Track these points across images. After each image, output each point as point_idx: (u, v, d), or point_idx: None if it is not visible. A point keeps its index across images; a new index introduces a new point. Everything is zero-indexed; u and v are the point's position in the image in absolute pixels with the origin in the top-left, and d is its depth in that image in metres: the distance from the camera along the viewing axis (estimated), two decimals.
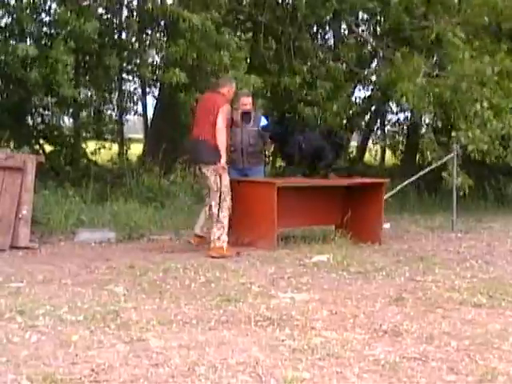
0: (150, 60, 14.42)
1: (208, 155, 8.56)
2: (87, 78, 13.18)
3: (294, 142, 9.28)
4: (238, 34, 14.92)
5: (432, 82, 12.81)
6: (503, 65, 12.41)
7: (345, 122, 15.60)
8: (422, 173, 12.35)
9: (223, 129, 8.53)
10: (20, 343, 4.72)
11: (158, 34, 13.89)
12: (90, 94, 14.53)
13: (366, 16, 16.69)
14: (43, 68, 10.91)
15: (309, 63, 14.28)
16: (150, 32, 13.93)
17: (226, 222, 8.55)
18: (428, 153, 13.24)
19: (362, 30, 16.78)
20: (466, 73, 12.12)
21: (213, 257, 8.31)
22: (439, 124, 16.30)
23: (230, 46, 11.90)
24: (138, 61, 14.08)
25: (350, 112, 15.70)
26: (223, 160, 8.51)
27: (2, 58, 10.81)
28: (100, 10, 13.49)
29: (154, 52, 14.32)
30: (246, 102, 9.58)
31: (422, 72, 12.66)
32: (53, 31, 12.22)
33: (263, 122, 9.71)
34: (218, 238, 8.50)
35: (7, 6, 12.57)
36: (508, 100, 12.52)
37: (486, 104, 12.26)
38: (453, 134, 12.20)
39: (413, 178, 12.39)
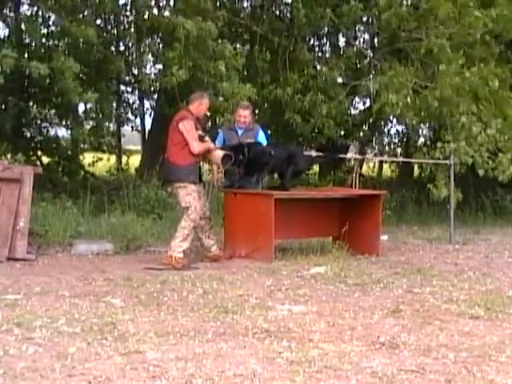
0: (147, 69, 14.49)
1: (172, 174, 8.87)
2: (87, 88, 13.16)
3: (265, 151, 9.26)
4: (236, 46, 14.98)
5: (420, 93, 12.84)
6: (493, 74, 12.42)
7: (342, 133, 15.59)
8: None
9: (197, 146, 8.72)
10: (17, 355, 4.71)
11: (155, 43, 13.90)
12: (89, 105, 14.54)
13: (362, 28, 16.75)
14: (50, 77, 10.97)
15: (304, 73, 14.31)
16: (147, 42, 13.95)
17: (184, 234, 8.65)
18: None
19: (359, 42, 16.85)
20: (454, 84, 12.13)
21: (163, 263, 8.54)
22: (433, 136, 16.32)
23: (225, 56, 11.93)
24: (136, 71, 14.12)
25: (348, 123, 15.68)
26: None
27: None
28: (98, 22, 13.53)
29: (152, 60, 14.36)
30: (243, 114, 9.58)
31: (411, 83, 12.68)
32: (50, 43, 12.26)
33: (261, 135, 9.71)
34: (171, 248, 8.63)
35: (6, 17, 12.63)
36: (499, 112, 12.53)
37: (469, 116, 12.26)
38: (438, 144, 12.13)
39: None
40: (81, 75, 11.52)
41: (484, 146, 12.20)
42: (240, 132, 9.60)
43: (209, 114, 9.49)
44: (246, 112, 9.62)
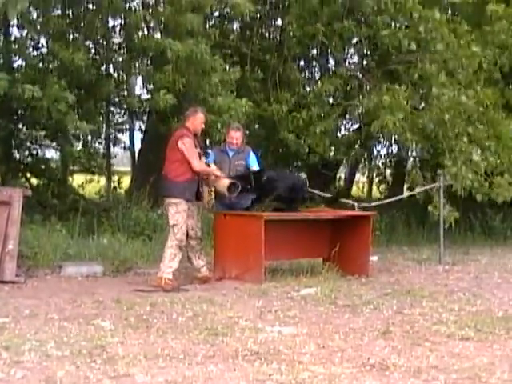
0: (137, 90, 14.50)
1: (167, 190, 8.91)
2: (79, 111, 13.14)
3: (268, 179, 9.29)
4: (225, 67, 15.03)
5: (415, 114, 12.91)
6: (486, 97, 12.53)
7: (332, 154, 15.62)
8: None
9: (198, 164, 8.79)
10: (5, 379, 4.68)
11: (144, 64, 13.92)
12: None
13: (352, 50, 16.81)
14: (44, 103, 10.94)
15: (295, 93, 14.36)
16: (136, 64, 13.97)
17: (171, 253, 8.69)
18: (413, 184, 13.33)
19: (349, 63, 16.91)
20: (448, 106, 12.22)
21: (153, 285, 8.58)
22: (426, 157, 16.37)
23: (216, 69, 11.96)
24: (126, 92, 14.10)
25: (339, 144, 15.72)
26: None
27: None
28: (87, 43, 13.52)
29: (141, 81, 14.37)
30: (234, 135, 9.51)
31: (406, 104, 12.73)
32: (41, 65, 12.26)
33: (252, 158, 9.68)
34: (160, 270, 8.68)
35: None
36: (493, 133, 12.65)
37: (465, 139, 12.36)
38: (439, 171, 12.25)
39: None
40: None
41: (480, 168, 12.32)
42: (231, 154, 9.55)
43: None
44: (237, 134, 9.57)
